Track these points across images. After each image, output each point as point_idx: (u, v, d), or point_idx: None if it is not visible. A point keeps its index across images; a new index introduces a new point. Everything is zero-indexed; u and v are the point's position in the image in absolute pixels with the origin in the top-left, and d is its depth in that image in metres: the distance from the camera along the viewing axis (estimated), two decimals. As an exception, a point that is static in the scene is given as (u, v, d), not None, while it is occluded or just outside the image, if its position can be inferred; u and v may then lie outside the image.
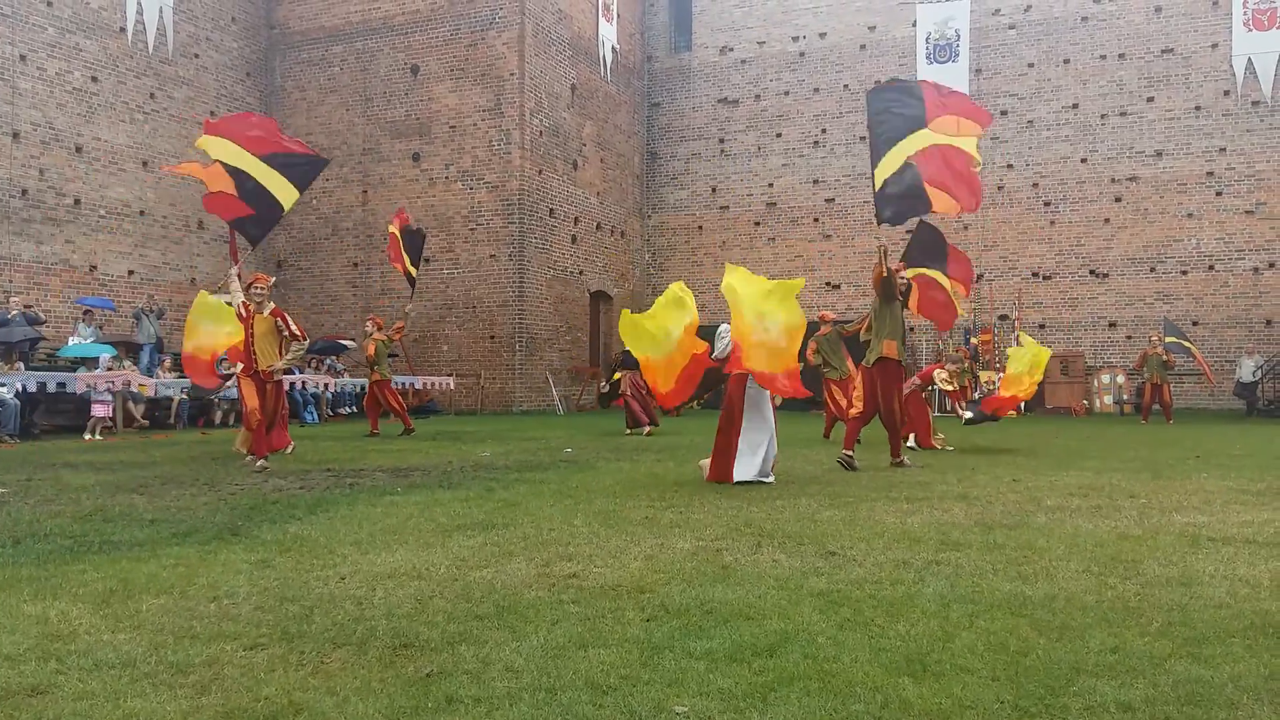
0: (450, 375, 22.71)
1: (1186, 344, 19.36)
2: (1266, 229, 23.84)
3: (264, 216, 10.29)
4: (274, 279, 10.78)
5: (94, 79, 20.28)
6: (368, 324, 15.62)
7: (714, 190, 28.65)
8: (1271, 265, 23.82)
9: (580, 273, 25.90)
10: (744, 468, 8.06)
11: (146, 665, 3.15)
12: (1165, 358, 19.17)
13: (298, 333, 9.98)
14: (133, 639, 3.45)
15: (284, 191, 10.13)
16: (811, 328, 15.00)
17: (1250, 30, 23.98)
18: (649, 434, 14.79)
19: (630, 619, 3.69)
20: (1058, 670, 3.06)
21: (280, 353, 9.88)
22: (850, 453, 9.43)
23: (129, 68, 21.09)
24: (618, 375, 16.24)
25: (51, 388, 14.90)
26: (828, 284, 27.23)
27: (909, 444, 11.60)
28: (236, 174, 9.90)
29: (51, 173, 19.41)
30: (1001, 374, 23.52)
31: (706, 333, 8.46)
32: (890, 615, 3.72)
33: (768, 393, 8.23)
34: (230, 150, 9.91)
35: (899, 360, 9.74)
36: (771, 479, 8.12)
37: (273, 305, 10.04)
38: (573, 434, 14.96)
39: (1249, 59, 23.96)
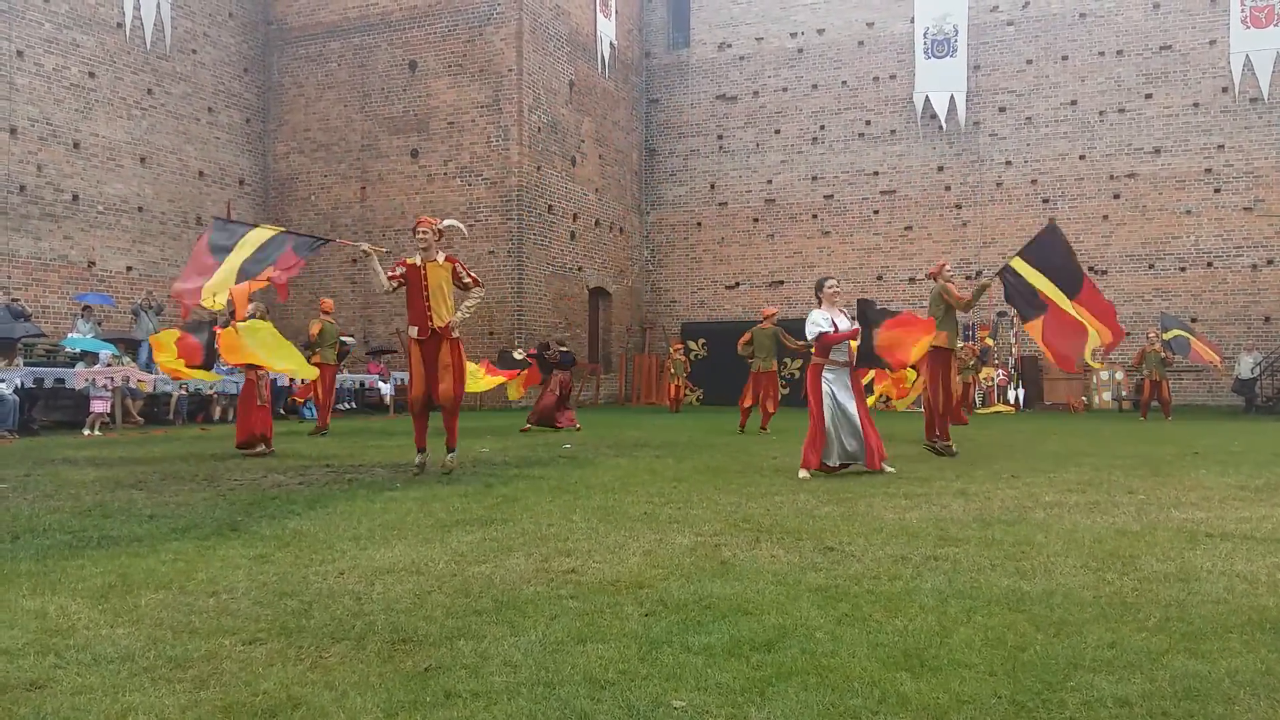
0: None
1: (1186, 334, 19.33)
2: (1265, 226, 23.85)
3: (289, 243, 9.23)
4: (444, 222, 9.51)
5: (91, 75, 20.25)
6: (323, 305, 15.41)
7: (712, 186, 28.64)
8: (1270, 262, 23.83)
9: (579, 269, 25.89)
10: (830, 453, 8.47)
11: (145, 660, 3.15)
12: (1163, 355, 19.19)
13: (476, 279, 8.79)
14: (131, 634, 3.45)
15: (258, 237, 9.17)
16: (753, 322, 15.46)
17: (1248, 28, 23.98)
18: (524, 431, 14.63)
19: (629, 614, 3.69)
20: (1055, 665, 3.06)
21: (456, 306, 8.67)
22: (945, 441, 10.30)
23: (126, 63, 21.06)
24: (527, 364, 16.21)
25: (50, 384, 14.90)
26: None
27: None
28: (239, 275, 8.94)
29: (49, 168, 19.39)
30: (1002, 371, 23.67)
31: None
32: (888, 610, 3.72)
33: (848, 380, 8.60)
34: (214, 284, 8.97)
35: (951, 349, 10.45)
36: (881, 467, 8.51)
37: (445, 253, 8.77)
38: (571, 430, 14.95)
39: (1247, 56, 23.95)
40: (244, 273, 8.88)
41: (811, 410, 8.49)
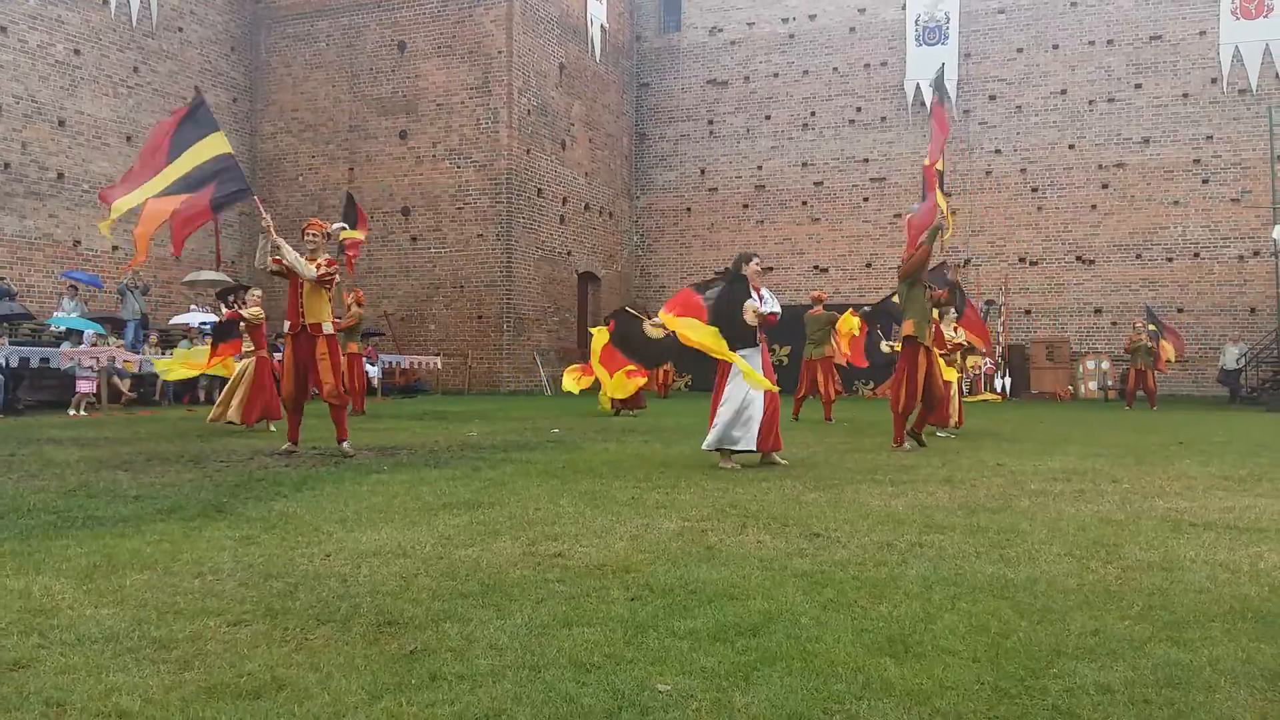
0: (437, 355, 22.67)
1: (1154, 327, 19.51)
2: (1252, 217, 23.95)
3: (224, 175, 8.76)
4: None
5: (76, 52, 20.06)
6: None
7: (703, 172, 28.59)
8: (1256, 253, 23.95)
9: (568, 253, 25.84)
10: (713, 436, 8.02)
11: (129, 640, 3.14)
12: (1150, 345, 19.30)
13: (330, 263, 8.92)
14: (116, 614, 3.44)
15: (208, 149, 8.73)
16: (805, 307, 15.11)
17: (1238, 19, 24.04)
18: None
19: (615, 598, 3.69)
20: (1038, 652, 3.08)
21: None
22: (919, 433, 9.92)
23: (112, 41, 20.87)
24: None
25: (35, 363, 14.81)
26: (815, 267, 27.23)
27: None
28: (169, 189, 8.62)
29: (34, 146, 19.22)
30: (988, 360, 23.73)
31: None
32: (873, 596, 3.74)
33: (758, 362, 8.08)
34: (144, 189, 8.65)
35: (919, 339, 9.68)
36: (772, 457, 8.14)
37: (326, 255, 8.98)
38: (560, 414, 14.95)
39: (1236, 47, 24.02)
40: (168, 191, 8.65)
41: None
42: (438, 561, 4.29)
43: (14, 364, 14.37)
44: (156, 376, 17.00)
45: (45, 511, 5.52)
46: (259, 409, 11.57)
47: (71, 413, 14.25)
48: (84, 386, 14.66)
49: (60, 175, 19.70)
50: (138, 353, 16.96)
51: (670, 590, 3.81)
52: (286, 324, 8.75)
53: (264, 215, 8.78)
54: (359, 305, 15.01)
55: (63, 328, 16.35)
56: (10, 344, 15.07)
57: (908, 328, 9.68)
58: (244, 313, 12.07)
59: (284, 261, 8.50)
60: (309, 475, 7.23)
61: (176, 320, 20.28)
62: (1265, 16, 23.86)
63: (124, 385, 16.32)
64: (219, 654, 3.03)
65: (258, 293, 12.83)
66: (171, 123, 8.97)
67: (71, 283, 18.16)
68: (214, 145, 8.83)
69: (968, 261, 25.32)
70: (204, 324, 19.23)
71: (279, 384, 10.04)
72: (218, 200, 8.82)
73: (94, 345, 15.41)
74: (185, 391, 17.85)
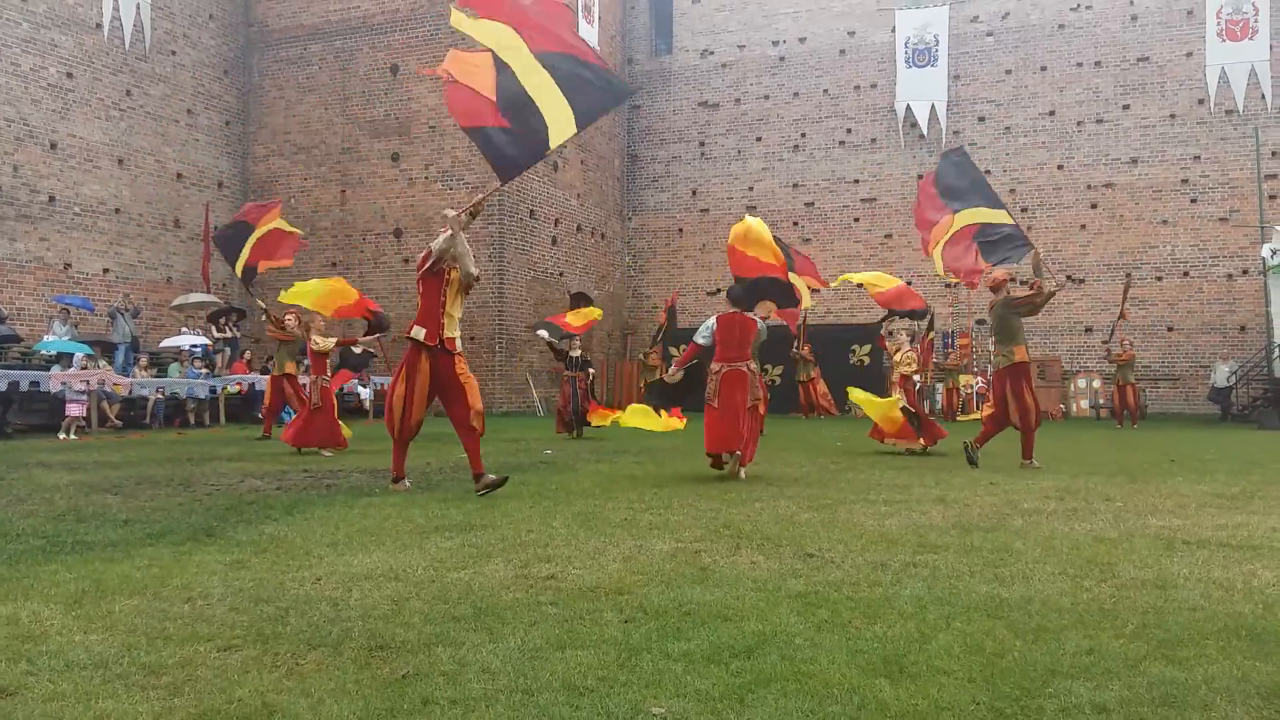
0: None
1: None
2: (1240, 236, 24.10)
3: (524, 141, 7.21)
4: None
5: (69, 75, 20.09)
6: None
7: (694, 193, 28.69)
8: (1245, 272, 24.08)
9: (561, 274, 25.87)
10: None
11: (119, 666, 3.12)
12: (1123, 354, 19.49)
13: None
14: (105, 640, 3.41)
15: (559, 117, 7.08)
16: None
17: (1224, 41, 24.28)
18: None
19: (608, 620, 3.68)
20: (1033, 672, 3.07)
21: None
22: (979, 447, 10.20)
23: (105, 64, 20.91)
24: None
25: (25, 386, 14.75)
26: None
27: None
28: (504, 73, 7.09)
29: (25, 169, 19.21)
30: (981, 380, 23.77)
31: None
32: (867, 617, 3.72)
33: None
34: (503, 37, 7.14)
35: (1028, 361, 10.39)
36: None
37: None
38: (552, 436, 14.92)
39: (1223, 69, 24.25)
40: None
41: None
42: (429, 585, 4.27)
43: (3, 387, 14.32)
44: (146, 400, 16.95)
45: (34, 536, 5.48)
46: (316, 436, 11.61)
47: (61, 436, 14.18)
48: (74, 410, 14.60)
49: (51, 198, 19.68)
50: (128, 375, 16.91)
51: (664, 612, 3.79)
52: (420, 334, 7.28)
53: (480, 200, 7.65)
54: (296, 321, 14.41)
55: (53, 351, 16.29)
56: (0, 367, 15.02)
57: (1020, 353, 10.28)
58: (314, 344, 12.10)
59: (451, 254, 7.19)
60: (299, 499, 7.19)
61: (167, 343, 20.23)
62: (1250, 38, 24.09)
63: (113, 411, 16.23)
64: (209, 680, 3.00)
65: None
66: (593, 53, 7.33)
67: (63, 307, 18.11)
68: (561, 125, 7.14)
69: (957, 283, 25.41)
70: (194, 347, 19.19)
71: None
72: (483, 134, 7.19)
73: (84, 368, 15.34)
74: (176, 415, 17.78)
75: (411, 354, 7.38)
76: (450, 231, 7.24)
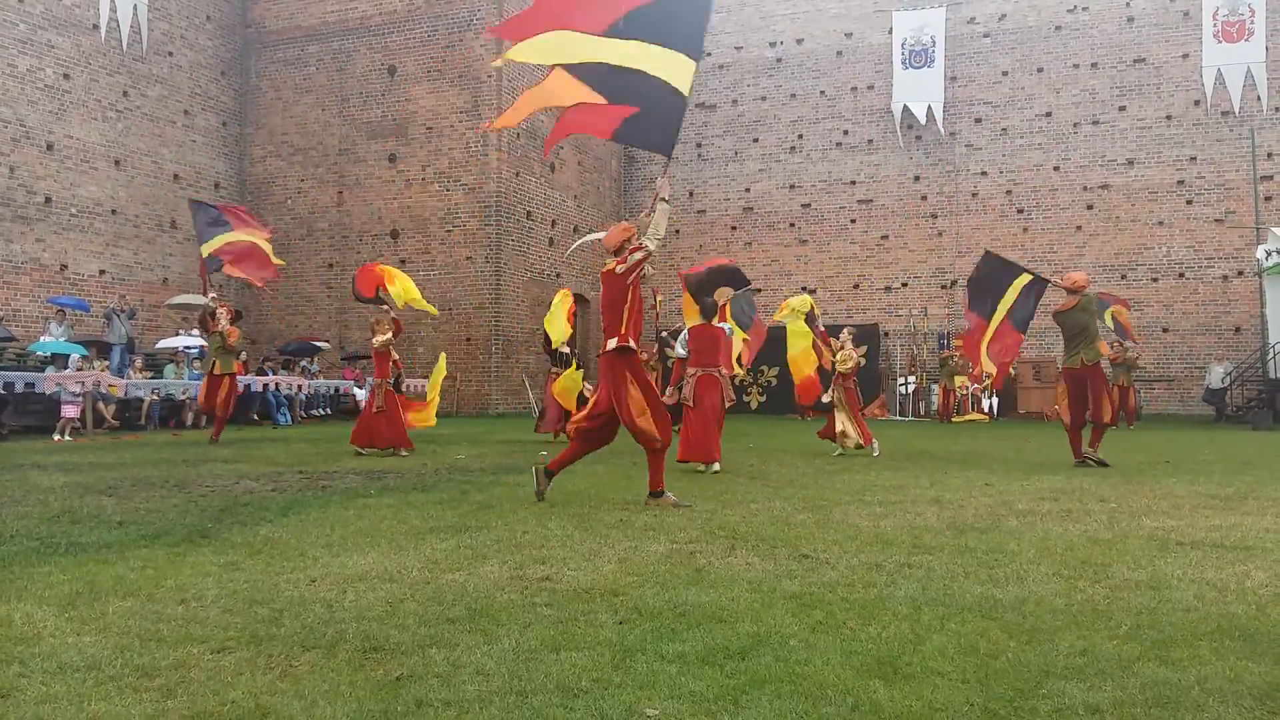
0: (424, 378, 22.59)
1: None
2: (1236, 237, 24.14)
3: (656, 112, 6.73)
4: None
5: (66, 76, 20.07)
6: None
7: (691, 194, 28.69)
8: (1240, 273, 24.12)
9: (557, 275, 25.86)
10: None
11: (112, 668, 3.11)
12: (1128, 357, 19.40)
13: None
14: (98, 642, 3.40)
15: (664, 66, 6.58)
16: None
17: (1220, 42, 24.32)
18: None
19: (603, 622, 3.67)
20: (1027, 673, 3.07)
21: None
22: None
23: (102, 65, 20.90)
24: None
25: (20, 388, 14.72)
26: (803, 288, 27.29)
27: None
28: (582, 70, 6.64)
29: (22, 170, 19.19)
30: (976, 383, 23.80)
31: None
32: (862, 618, 3.73)
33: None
34: (559, 43, 6.68)
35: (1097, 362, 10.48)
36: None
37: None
38: (548, 437, 14.90)
39: (1219, 70, 24.29)
40: (581, 72, 6.74)
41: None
42: (424, 586, 4.26)
43: (-1, 389, 14.30)
44: (142, 401, 16.93)
45: (28, 538, 5.47)
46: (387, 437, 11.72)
47: (56, 437, 14.15)
48: (69, 411, 14.58)
49: (48, 199, 19.65)
50: (123, 377, 16.89)
51: (659, 613, 3.79)
52: (613, 341, 6.90)
53: (664, 180, 7.31)
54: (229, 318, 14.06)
55: (49, 353, 16.27)
56: (-5, 369, 15.00)
57: (1103, 348, 10.56)
58: (377, 340, 11.99)
59: (650, 242, 7.01)
60: (294, 500, 7.18)
61: (163, 344, 20.21)
62: (1246, 40, 24.14)
63: (108, 412, 16.21)
64: (203, 682, 3.00)
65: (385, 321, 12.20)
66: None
67: (59, 308, 18.09)
68: (676, 70, 6.62)
69: (954, 283, 25.46)
70: (189, 348, 19.17)
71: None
72: (624, 131, 6.81)
73: (79, 369, 15.32)
74: (171, 416, 17.76)
75: (624, 363, 6.92)
76: (665, 207, 7.23)
